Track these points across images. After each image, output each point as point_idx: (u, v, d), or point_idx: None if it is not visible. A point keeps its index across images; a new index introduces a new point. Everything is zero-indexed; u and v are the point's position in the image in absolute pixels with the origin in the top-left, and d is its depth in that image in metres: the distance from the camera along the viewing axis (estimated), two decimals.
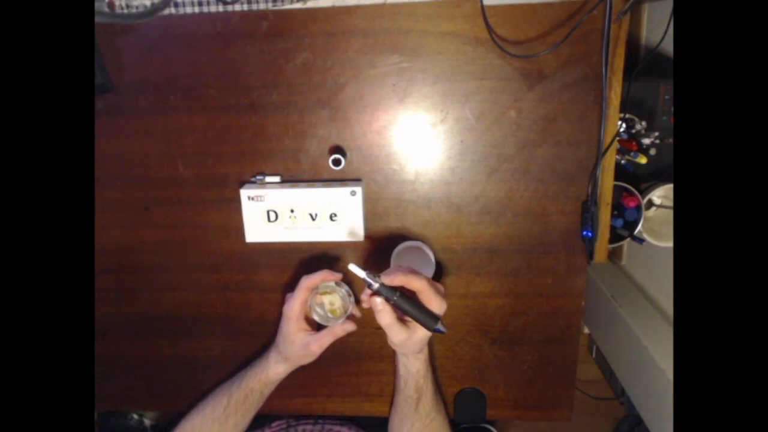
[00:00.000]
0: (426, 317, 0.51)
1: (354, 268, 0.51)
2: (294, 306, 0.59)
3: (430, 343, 0.69)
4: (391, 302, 0.50)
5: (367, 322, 0.67)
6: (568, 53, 0.57)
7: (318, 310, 0.59)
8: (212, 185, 0.64)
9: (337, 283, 0.59)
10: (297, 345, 0.60)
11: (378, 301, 0.50)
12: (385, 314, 0.51)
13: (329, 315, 0.59)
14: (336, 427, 0.75)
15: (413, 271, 0.51)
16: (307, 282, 0.58)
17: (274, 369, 0.63)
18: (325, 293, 0.59)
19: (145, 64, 0.60)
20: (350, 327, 0.60)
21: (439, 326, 0.51)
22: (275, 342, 0.63)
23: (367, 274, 0.50)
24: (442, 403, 0.66)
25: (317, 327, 0.62)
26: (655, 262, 1.10)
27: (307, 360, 0.62)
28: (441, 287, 0.54)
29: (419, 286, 0.50)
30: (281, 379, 0.65)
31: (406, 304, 0.51)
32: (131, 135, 0.63)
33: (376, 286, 0.50)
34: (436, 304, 0.51)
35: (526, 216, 0.63)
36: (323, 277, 0.58)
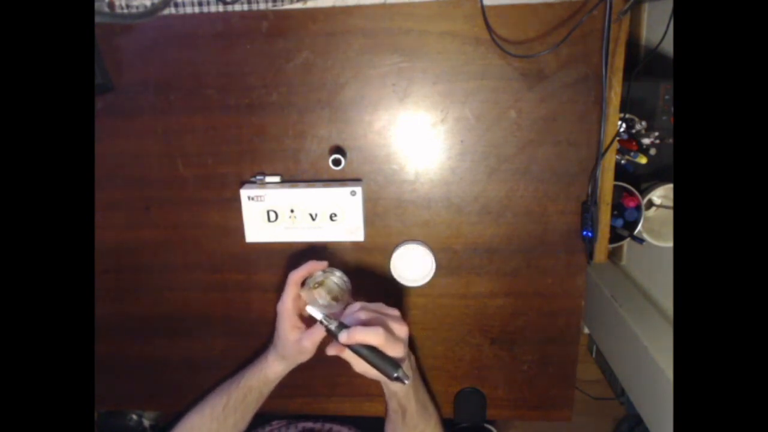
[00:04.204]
0: (386, 365, 0.50)
1: (312, 311, 0.52)
2: (286, 303, 0.59)
3: (427, 348, 0.70)
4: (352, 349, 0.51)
5: None
6: (568, 53, 0.57)
7: (319, 301, 0.58)
8: (212, 185, 0.64)
9: (325, 271, 0.59)
10: (291, 342, 0.60)
11: (345, 352, 0.51)
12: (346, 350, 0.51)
13: (332, 303, 0.58)
14: (336, 426, 0.75)
15: (370, 323, 0.51)
16: (295, 276, 0.58)
17: (272, 368, 0.63)
18: (317, 286, 0.58)
19: (145, 64, 0.60)
20: (339, 314, 0.59)
21: (400, 373, 0.50)
22: (273, 341, 0.63)
23: (324, 317, 0.51)
24: (432, 412, 0.65)
25: (310, 325, 0.61)
26: (655, 262, 1.10)
27: (303, 358, 0.62)
28: (402, 330, 0.53)
29: (377, 342, 0.50)
30: (280, 378, 0.65)
31: (366, 352, 0.50)
32: (131, 135, 0.63)
33: (333, 329, 0.51)
34: (394, 352, 0.51)
35: (526, 216, 0.63)
36: (309, 268, 0.58)
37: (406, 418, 0.61)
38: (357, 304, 0.55)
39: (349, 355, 0.51)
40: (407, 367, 0.54)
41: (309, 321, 0.60)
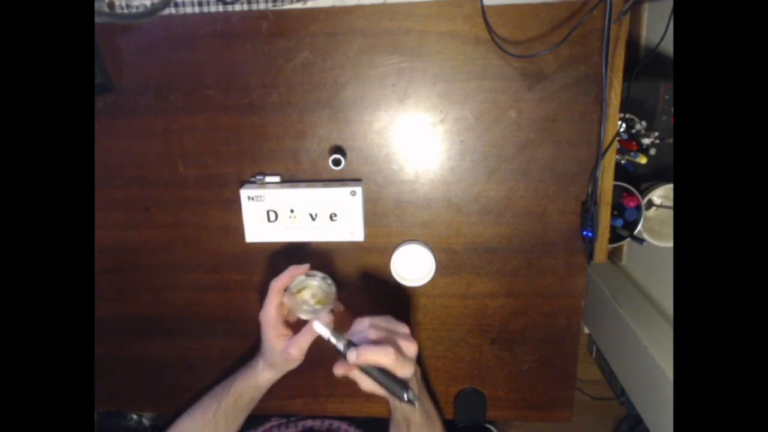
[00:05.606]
0: (395, 386, 0.49)
1: (319, 328, 0.50)
2: (269, 312, 0.57)
3: (427, 348, 0.70)
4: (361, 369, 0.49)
5: None
6: (568, 53, 0.57)
7: (303, 308, 0.56)
8: (212, 185, 0.64)
9: (307, 275, 0.57)
10: (278, 352, 0.58)
11: (355, 372, 0.50)
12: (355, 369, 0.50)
13: (317, 307, 0.56)
14: (336, 423, 0.75)
15: (379, 344, 0.49)
16: (277, 284, 0.56)
17: (262, 375, 0.62)
18: (301, 290, 0.57)
19: (145, 64, 0.60)
20: (326, 318, 0.56)
21: (410, 395, 0.49)
22: (261, 349, 0.62)
23: (332, 333, 0.49)
24: (436, 421, 0.64)
25: (296, 331, 0.59)
26: (655, 262, 1.10)
27: (292, 365, 0.60)
28: (412, 348, 0.51)
29: (387, 362, 0.48)
30: (271, 384, 0.64)
31: (375, 373, 0.49)
32: (131, 135, 0.63)
33: (341, 349, 0.49)
34: (403, 372, 0.49)
35: (526, 216, 0.63)
36: (291, 274, 0.56)
37: (411, 429, 0.60)
38: (366, 321, 0.52)
39: (357, 375, 0.49)
40: (414, 383, 0.53)
41: (295, 327, 0.59)
